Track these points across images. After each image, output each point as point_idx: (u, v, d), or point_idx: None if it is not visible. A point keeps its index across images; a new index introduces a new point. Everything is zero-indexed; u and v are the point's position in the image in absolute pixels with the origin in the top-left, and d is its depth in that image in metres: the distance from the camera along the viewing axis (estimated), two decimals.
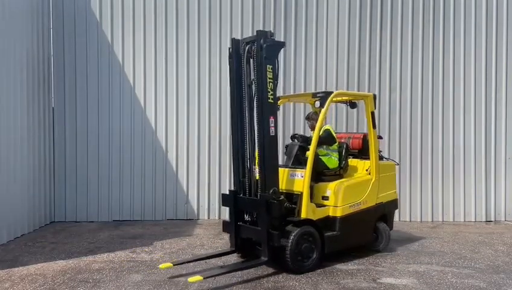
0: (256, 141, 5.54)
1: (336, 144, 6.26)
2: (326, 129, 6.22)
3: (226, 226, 5.99)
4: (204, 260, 5.73)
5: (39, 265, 5.78)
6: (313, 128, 6.26)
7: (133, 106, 8.86)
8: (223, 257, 5.90)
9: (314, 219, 5.58)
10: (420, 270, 5.57)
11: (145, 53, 8.87)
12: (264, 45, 5.34)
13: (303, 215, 5.51)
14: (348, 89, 8.94)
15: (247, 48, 5.57)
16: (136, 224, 8.44)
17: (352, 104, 6.59)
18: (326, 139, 6.15)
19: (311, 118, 6.38)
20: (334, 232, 5.75)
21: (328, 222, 5.75)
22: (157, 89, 8.90)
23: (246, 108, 5.64)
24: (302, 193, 5.57)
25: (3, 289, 4.92)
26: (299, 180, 5.76)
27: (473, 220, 8.87)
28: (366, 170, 6.46)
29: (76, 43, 8.82)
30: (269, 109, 5.39)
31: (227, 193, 5.96)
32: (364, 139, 6.62)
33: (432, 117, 8.96)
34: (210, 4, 8.88)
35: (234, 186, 5.91)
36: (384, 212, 6.53)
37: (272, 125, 5.40)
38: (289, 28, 8.92)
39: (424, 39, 8.95)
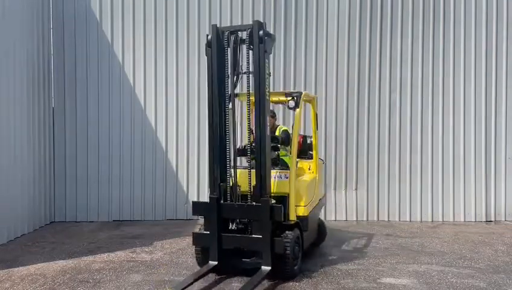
0: (246, 141, 5.28)
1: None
2: (284, 130, 6.27)
3: (201, 238, 5.27)
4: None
5: (39, 265, 5.78)
6: (272, 127, 6.04)
7: (133, 106, 8.86)
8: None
9: (297, 221, 5.47)
10: (420, 270, 5.57)
11: (145, 53, 8.87)
12: (266, 38, 5.05)
13: (292, 217, 5.38)
14: (348, 90, 8.95)
15: (232, 37, 5.15)
16: (136, 224, 8.44)
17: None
18: (286, 139, 6.05)
19: (271, 117, 6.13)
20: (306, 232, 5.65)
21: (301, 222, 5.57)
22: (157, 89, 8.90)
23: (229, 105, 5.20)
24: (288, 195, 5.44)
25: (3, 289, 4.92)
26: (281, 181, 5.56)
27: (473, 220, 8.87)
28: (309, 169, 6.60)
29: (76, 43, 8.82)
30: (266, 106, 5.15)
31: (207, 200, 5.30)
32: (304, 140, 6.55)
33: (432, 117, 8.95)
34: (210, 4, 8.88)
35: (213, 192, 5.23)
36: (321, 207, 6.94)
37: (268, 124, 5.27)
38: (289, 28, 8.91)
39: (424, 39, 8.95)
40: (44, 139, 8.46)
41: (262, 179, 5.07)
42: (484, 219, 8.88)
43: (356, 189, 8.98)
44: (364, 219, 8.90)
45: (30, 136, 7.88)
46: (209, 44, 5.21)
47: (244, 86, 5.63)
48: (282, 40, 8.90)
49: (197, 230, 5.56)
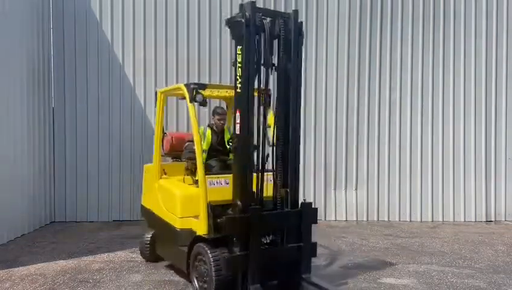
0: (279, 142, 4.55)
1: None
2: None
3: (237, 262, 4.19)
4: None
5: (39, 265, 5.77)
6: (222, 126, 5.55)
7: (133, 106, 8.86)
8: None
9: None
10: (420, 270, 5.57)
11: (145, 53, 8.86)
12: (303, 31, 4.56)
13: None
14: (348, 90, 8.95)
15: (268, 23, 4.36)
16: (136, 224, 8.42)
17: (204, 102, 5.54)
18: None
19: (222, 114, 5.57)
20: None
21: None
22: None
23: (262, 101, 4.47)
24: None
25: (3, 289, 4.92)
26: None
27: (473, 220, 8.87)
28: None
29: (76, 43, 8.82)
30: (300, 103, 4.65)
31: (249, 213, 4.21)
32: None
33: (432, 117, 8.95)
34: (210, 5, 8.88)
35: (249, 203, 4.28)
36: None
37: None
38: None
39: (424, 39, 8.95)
40: (45, 139, 8.46)
41: (295, 182, 4.58)
42: (484, 219, 8.89)
43: (356, 189, 8.98)
44: (364, 219, 8.90)
45: (30, 136, 7.87)
46: (247, 23, 4.19)
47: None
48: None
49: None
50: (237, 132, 4.29)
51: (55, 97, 8.84)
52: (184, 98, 5.53)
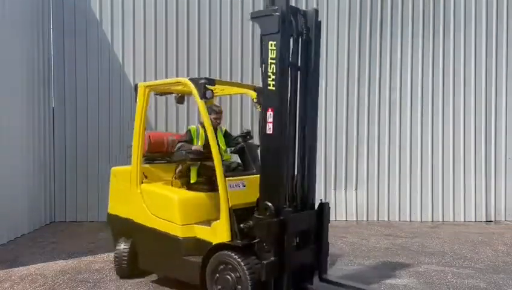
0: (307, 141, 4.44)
1: None
2: (226, 130, 5.54)
3: (274, 269, 3.96)
4: None
5: (39, 265, 5.77)
6: (217, 126, 5.20)
7: (133, 106, 8.80)
8: None
9: None
10: (420, 270, 5.57)
11: (145, 53, 8.86)
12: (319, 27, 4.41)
13: None
14: (348, 90, 8.94)
15: (300, 19, 4.33)
16: None
17: (181, 98, 5.40)
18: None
19: (219, 112, 5.19)
20: None
21: None
22: None
23: (298, 99, 4.38)
24: None
25: (3, 289, 4.92)
26: None
27: (473, 220, 8.87)
28: None
29: (76, 43, 8.82)
30: (317, 102, 4.57)
31: (282, 216, 4.00)
32: None
33: (432, 117, 8.95)
34: (210, 4, 8.88)
35: (282, 205, 4.13)
36: None
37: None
38: None
39: (424, 39, 8.94)
40: (45, 139, 8.46)
41: (314, 182, 4.53)
42: (484, 219, 8.89)
43: (356, 189, 8.98)
44: (365, 219, 8.90)
45: (30, 136, 7.87)
46: (294, 14, 4.11)
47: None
48: None
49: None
50: (269, 131, 4.05)
51: (55, 97, 8.84)
52: (172, 93, 5.40)
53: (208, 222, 4.54)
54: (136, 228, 5.02)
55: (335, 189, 8.95)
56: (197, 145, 4.92)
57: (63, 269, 5.60)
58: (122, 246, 5.13)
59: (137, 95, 5.17)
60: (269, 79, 4.04)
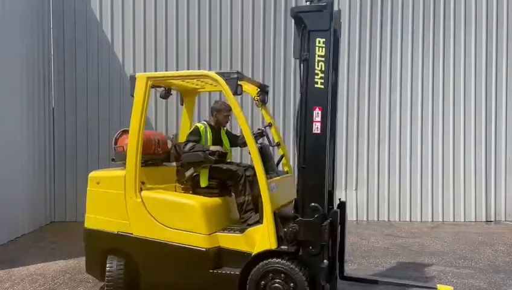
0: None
1: None
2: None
3: (326, 271, 3.91)
4: None
5: (39, 265, 5.77)
6: (226, 125, 5.05)
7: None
8: None
9: None
10: (420, 270, 5.55)
11: (145, 53, 8.87)
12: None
13: None
14: (348, 90, 8.94)
15: (338, 14, 4.40)
16: None
17: (167, 93, 4.98)
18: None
19: (230, 110, 4.86)
20: None
21: None
22: (157, 89, 8.88)
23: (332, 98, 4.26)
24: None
25: (3, 289, 4.92)
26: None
27: (473, 220, 8.87)
28: None
29: (77, 43, 8.83)
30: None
31: (334, 216, 4.12)
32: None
33: (432, 117, 8.95)
34: (210, 4, 8.88)
35: (327, 205, 4.14)
36: None
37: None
38: (289, 28, 8.91)
39: (425, 39, 8.94)
40: (45, 139, 8.47)
41: (335, 181, 4.58)
42: (484, 219, 8.88)
43: (356, 189, 8.98)
44: (365, 219, 8.90)
45: (30, 136, 7.87)
46: (328, 16, 3.92)
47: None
48: (283, 39, 8.90)
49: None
50: (316, 130, 3.93)
51: (55, 97, 8.85)
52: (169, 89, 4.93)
53: (229, 229, 4.31)
54: (135, 243, 4.41)
55: (335, 189, 8.94)
56: (211, 145, 4.63)
57: (63, 269, 5.60)
58: (116, 266, 4.44)
59: (136, 87, 4.53)
60: (317, 77, 3.93)
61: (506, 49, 8.95)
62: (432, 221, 8.83)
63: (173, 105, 8.60)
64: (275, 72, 8.93)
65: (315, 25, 3.92)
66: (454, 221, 8.83)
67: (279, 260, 3.87)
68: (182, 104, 5.39)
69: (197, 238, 4.17)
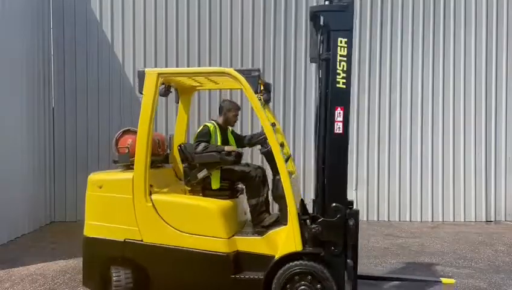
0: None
1: None
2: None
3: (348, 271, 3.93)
4: None
5: (39, 265, 5.77)
6: (234, 124, 4.91)
7: (133, 106, 8.85)
8: None
9: None
10: (420, 270, 5.55)
11: (145, 53, 8.87)
12: None
13: None
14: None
15: None
16: None
17: (167, 90, 4.70)
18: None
19: (239, 109, 4.86)
20: None
21: None
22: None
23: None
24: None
25: (3, 289, 4.92)
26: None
27: (473, 220, 8.87)
28: None
29: (77, 43, 8.82)
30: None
31: (355, 215, 4.04)
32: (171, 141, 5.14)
33: (432, 117, 8.95)
34: (210, 4, 8.88)
35: (345, 205, 4.07)
36: None
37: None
38: (289, 28, 8.91)
39: (425, 39, 8.94)
40: (45, 139, 8.46)
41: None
42: (484, 219, 8.88)
43: (356, 189, 8.98)
44: (365, 219, 8.89)
45: (30, 136, 7.87)
46: (351, 15, 3.94)
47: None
48: (283, 39, 8.90)
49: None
50: (338, 131, 3.96)
51: (55, 97, 8.85)
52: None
53: (245, 232, 4.26)
54: (146, 250, 4.14)
55: None
56: (224, 145, 4.45)
57: (63, 269, 5.60)
58: (124, 276, 4.14)
59: (145, 84, 4.28)
60: (339, 77, 3.91)
61: (506, 49, 8.95)
62: (432, 221, 8.82)
63: (173, 105, 8.57)
64: (275, 72, 8.92)
65: (337, 24, 3.90)
66: (454, 221, 8.83)
67: (306, 262, 3.85)
68: (177, 102, 5.20)
69: (216, 242, 4.03)
